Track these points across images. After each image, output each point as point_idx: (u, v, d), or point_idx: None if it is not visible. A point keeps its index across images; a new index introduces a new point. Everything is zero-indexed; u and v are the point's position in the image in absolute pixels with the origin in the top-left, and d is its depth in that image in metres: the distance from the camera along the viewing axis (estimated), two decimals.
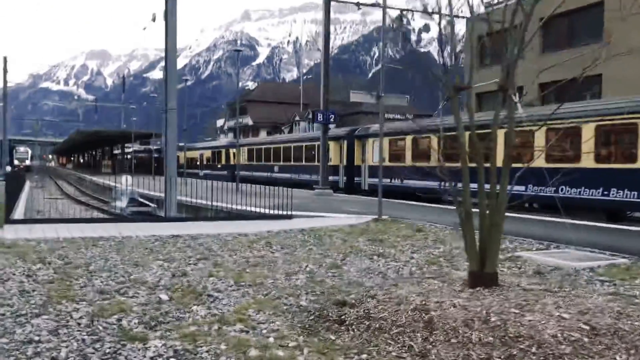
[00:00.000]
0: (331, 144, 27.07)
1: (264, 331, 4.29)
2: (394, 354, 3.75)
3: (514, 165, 4.90)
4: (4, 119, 49.77)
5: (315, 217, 12.84)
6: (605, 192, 13.85)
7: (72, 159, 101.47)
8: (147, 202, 19.77)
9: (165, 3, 15.15)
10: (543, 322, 3.81)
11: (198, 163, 51.04)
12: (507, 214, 5.02)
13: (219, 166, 44.72)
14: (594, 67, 4.60)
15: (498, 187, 4.78)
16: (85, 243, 8.34)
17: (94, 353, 3.80)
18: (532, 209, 15.89)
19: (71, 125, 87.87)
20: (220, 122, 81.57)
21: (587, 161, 14.07)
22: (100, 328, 4.31)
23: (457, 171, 5.08)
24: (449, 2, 4.88)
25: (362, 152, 25.59)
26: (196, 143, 60.95)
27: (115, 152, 66.03)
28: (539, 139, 14.03)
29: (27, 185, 30.28)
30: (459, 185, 5.04)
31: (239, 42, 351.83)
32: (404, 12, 25.23)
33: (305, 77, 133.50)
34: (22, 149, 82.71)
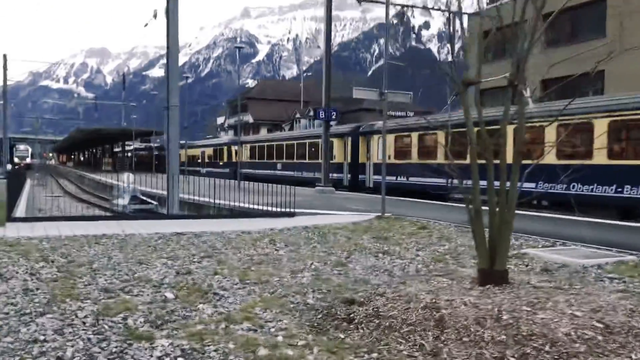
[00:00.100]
0: (335, 141, 26.89)
1: (272, 330, 4.23)
2: (405, 352, 3.69)
3: (523, 161, 4.84)
4: (4, 117, 49.60)
5: (318, 215, 12.79)
6: (619, 189, 13.72)
7: (73, 157, 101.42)
8: (148, 200, 19.70)
9: (167, 0, 15.06)
10: (556, 320, 3.75)
11: (200, 161, 51.03)
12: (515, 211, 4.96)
13: (221, 164, 44.69)
14: (608, 60, 4.54)
15: (508, 184, 4.72)
16: (88, 241, 8.29)
17: (100, 352, 3.74)
18: (540, 207, 15.78)
19: (71, 123, 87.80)
20: (220, 120, 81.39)
21: (600, 157, 13.85)
22: (106, 327, 4.25)
23: (465, 168, 5.02)
24: None
25: (367, 149, 25.26)
26: (197, 141, 61.00)
27: (116, 149, 65.96)
28: (550, 134, 13.81)
29: (28, 183, 30.23)
30: (468, 182, 4.98)
31: (238, 39, 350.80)
32: (406, 8, 25.11)
33: (305, 74, 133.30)
34: (22, 147, 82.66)
